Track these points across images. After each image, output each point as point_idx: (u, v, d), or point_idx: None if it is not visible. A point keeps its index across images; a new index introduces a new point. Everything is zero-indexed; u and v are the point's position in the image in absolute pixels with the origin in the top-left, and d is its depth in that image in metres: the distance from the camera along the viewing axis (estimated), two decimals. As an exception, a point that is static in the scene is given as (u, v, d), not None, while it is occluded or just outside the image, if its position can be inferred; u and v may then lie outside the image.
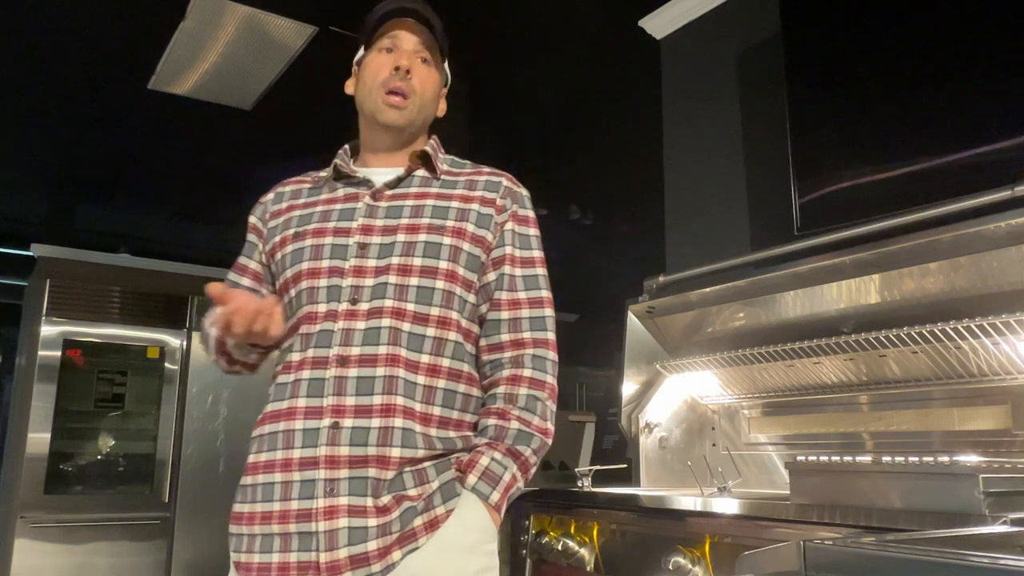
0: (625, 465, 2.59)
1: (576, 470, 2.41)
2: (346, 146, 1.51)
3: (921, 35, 2.03)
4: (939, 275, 1.89)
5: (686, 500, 1.85)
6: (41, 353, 4.19)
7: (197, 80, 3.73)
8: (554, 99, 4.06)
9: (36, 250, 4.37)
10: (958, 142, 1.89)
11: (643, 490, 2.38)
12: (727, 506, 1.70)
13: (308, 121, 4.11)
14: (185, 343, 4.53)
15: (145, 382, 4.45)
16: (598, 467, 2.44)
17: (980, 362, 1.83)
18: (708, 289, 2.35)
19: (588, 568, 1.92)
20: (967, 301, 1.86)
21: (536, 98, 4.05)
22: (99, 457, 4.30)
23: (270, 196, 1.52)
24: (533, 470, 1.35)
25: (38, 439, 4.10)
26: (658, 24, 3.12)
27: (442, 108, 1.55)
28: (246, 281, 1.49)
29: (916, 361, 1.94)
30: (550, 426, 1.37)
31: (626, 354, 2.58)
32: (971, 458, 1.80)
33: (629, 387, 2.58)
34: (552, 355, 1.40)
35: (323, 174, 1.49)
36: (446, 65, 1.54)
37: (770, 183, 2.55)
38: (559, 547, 1.97)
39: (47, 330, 4.22)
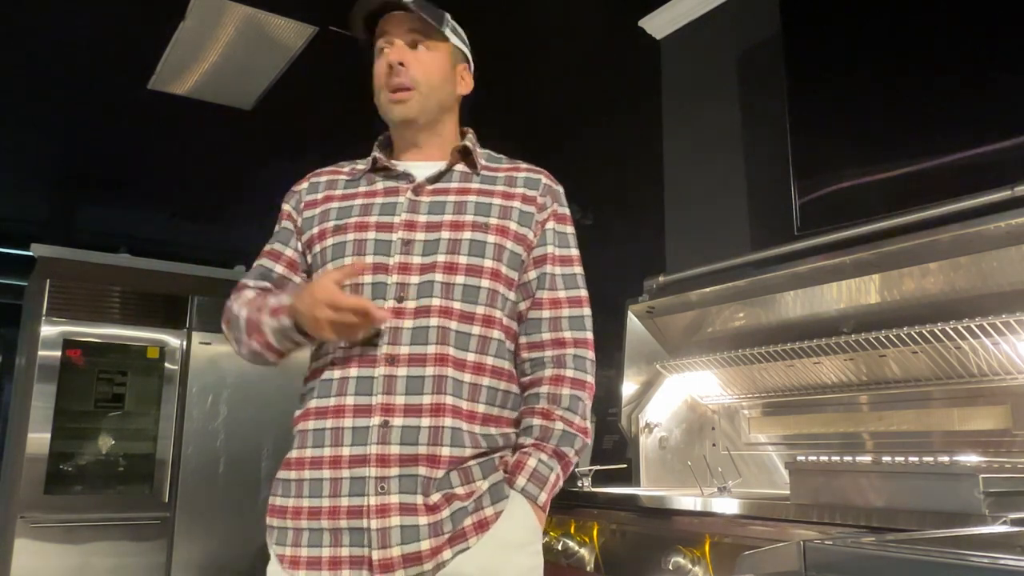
0: (625, 465, 2.58)
1: (576, 470, 2.41)
2: (381, 137, 1.49)
3: (921, 35, 2.03)
4: (939, 275, 1.89)
5: (686, 500, 1.85)
6: (41, 353, 4.19)
7: (197, 80, 3.73)
8: (554, 99, 4.06)
9: (36, 250, 4.36)
10: (958, 142, 1.89)
11: (643, 490, 2.38)
12: (727, 506, 1.70)
13: (308, 121, 4.11)
14: (185, 343, 4.53)
15: (145, 382, 4.44)
16: (598, 467, 2.44)
17: (980, 362, 1.82)
18: (708, 289, 2.35)
19: (588, 568, 1.92)
20: (967, 301, 1.85)
21: (536, 98, 4.05)
22: (99, 457, 4.29)
23: (304, 185, 1.49)
24: (572, 468, 1.39)
25: (38, 439, 4.10)
26: (658, 24, 3.12)
27: (465, 85, 1.52)
28: (280, 268, 1.46)
29: (916, 361, 1.94)
30: (589, 425, 1.40)
31: (626, 354, 2.58)
32: (971, 458, 1.80)
33: (629, 387, 2.58)
34: (591, 354, 1.42)
35: (360, 166, 1.47)
36: (457, 40, 1.49)
37: (770, 183, 2.55)
38: (559, 547, 1.97)
39: (47, 330, 4.22)
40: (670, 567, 1.65)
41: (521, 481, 1.32)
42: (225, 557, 4.37)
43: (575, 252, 1.46)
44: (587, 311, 1.44)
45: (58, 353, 4.21)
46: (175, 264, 4.66)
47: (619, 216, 5.62)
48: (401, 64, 1.40)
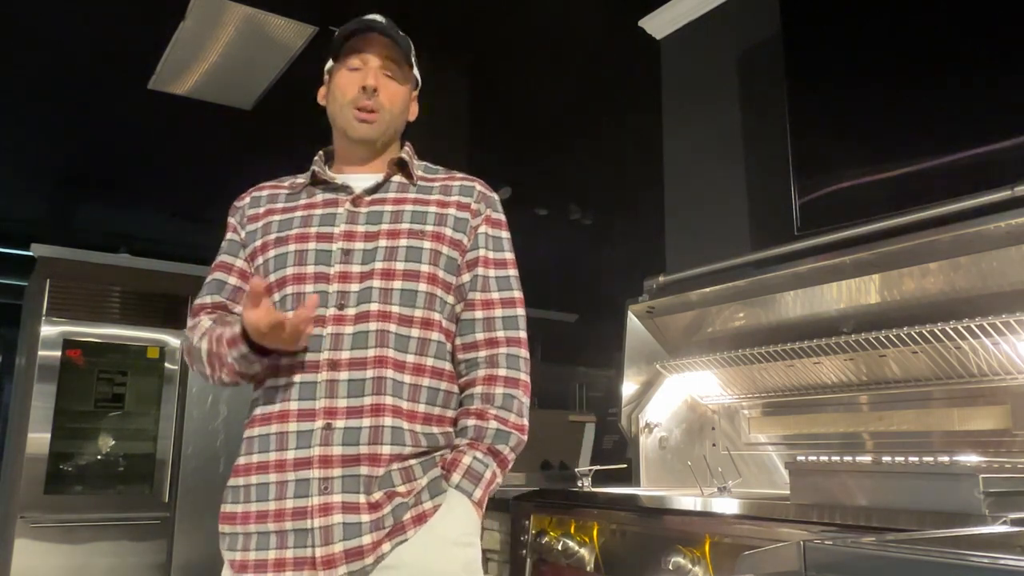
0: (625, 465, 2.58)
1: (576, 470, 2.41)
2: (321, 152, 1.55)
3: (921, 35, 2.03)
4: (939, 275, 1.89)
5: (686, 500, 1.85)
6: (41, 353, 4.19)
7: (197, 80, 3.73)
8: (554, 99, 4.06)
9: (36, 250, 4.37)
10: (958, 142, 1.89)
11: (643, 490, 2.38)
12: (727, 506, 1.70)
13: (308, 121, 4.10)
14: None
15: (145, 382, 4.45)
16: (598, 467, 2.44)
17: (980, 362, 1.82)
18: (708, 289, 2.35)
19: (588, 568, 1.92)
20: (967, 301, 1.86)
21: (536, 98, 4.05)
22: (99, 457, 4.30)
23: (246, 200, 1.55)
24: (511, 464, 1.43)
25: (38, 439, 4.10)
26: (658, 24, 3.12)
27: (414, 111, 1.59)
28: (233, 279, 1.50)
29: (916, 361, 1.94)
30: (525, 422, 1.44)
31: (626, 354, 2.58)
32: (971, 458, 1.80)
33: (629, 387, 2.58)
34: (524, 353, 1.47)
35: (300, 180, 1.53)
36: (415, 70, 1.57)
37: (770, 183, 2.55)
38: (559, 547, 1.97)
39: (47, 330, 4.22)
40: (670, 567, 1.65)
41: (456, 478, 1.37)
42: (225, 557, 4.36)
43: (509, 256, 1.51)
44: (520, 311, 1.48)
45: (58, 353, 4.22)
46: (175, 264, 4.67)
47: (619, 216, 5.62)
48: (375, 90, 1.46)
